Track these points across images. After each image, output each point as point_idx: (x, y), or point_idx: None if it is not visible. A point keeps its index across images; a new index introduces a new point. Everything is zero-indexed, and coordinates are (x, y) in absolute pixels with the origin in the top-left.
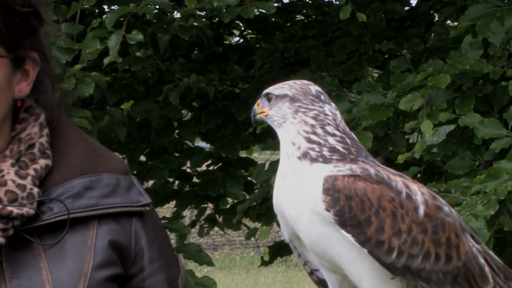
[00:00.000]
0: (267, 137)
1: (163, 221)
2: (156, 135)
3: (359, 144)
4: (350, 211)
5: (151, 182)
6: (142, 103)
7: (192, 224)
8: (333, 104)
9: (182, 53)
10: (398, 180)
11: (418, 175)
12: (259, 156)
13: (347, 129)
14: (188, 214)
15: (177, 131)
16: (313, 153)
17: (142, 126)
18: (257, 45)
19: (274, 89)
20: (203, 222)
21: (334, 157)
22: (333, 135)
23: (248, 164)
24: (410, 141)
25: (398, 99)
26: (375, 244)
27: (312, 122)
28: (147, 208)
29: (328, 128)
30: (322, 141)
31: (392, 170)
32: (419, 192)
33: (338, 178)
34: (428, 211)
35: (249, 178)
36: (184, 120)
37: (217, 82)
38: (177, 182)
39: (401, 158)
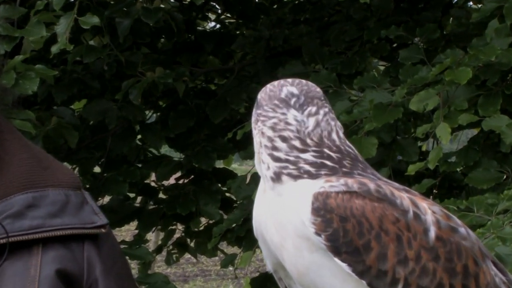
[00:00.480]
0: (249, 144)
1: (122, 246)
2: (113, 141)
3: (354, 153)
4: (345, 235)
5: (107, 199)
6: (97, 102)
7: (158, 249)
8: (310, 109)
9: (146, 42)
10: (404, 197)
11: (433, 190)
12: (240, 167)
13: (341, 135)
14: (153, 238)
15: (139, 136)
16: (289, 171)
17: (96, 130)
18: (237, 32)
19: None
20: (171, 247)
21: (323, 172)
22: (302, 150)
23: (226, 176)
24: (423, 148)
25: (409, 98)
26: (376, 275)
27: (270, 133)
28: (103, 230)
29: (295, 143)
30: (291, 158)
31: (396, 184)
32: (429, 211)
33: (331, 195)
34: (441, 234)
35: (227, 194)
36: (148, 123)
37: (188, 77)
38: (139, 198)
39: (412, 169)
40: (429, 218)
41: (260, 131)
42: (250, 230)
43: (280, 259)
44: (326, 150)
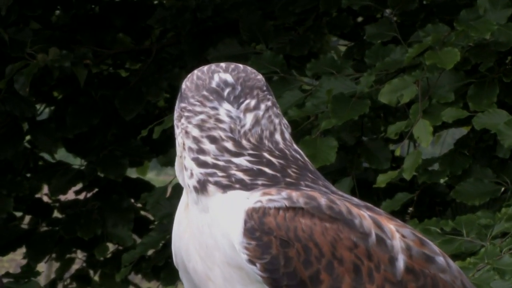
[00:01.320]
0: (170, 147)
1: (5, 280)
2: None
3: (303, 160)
4: (287, 263)
5: None
6: None
7: (51, 284)
8: (249, 102)
9: (36, 15)
10: (365, 216)
11: (410, 208)
12: (157, 177)
13: (287, 136)
14: (45, 269)
15: (28, 137)
16: (218, 179)
17: None
18: (155, 2)
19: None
20: (68, 281)
21: (260, 182)
22: (236, 154)
23: (141, 189)
24: (397, 153)
25: (378, 87)
26: None
27: (196, 133)
28: None
29: (226, 144)
30: (221, 163)
31: (356, 199)
32: (397, 235)
33: (269, 212)
34: (412, 264)
35: (141, 212)
36: (39, 120)
37: (91, 61)
38: (27, 218)
39: (382, 180)
40: (397, 243)
41: (184, 129)
42: (170, 258)
43: None
44: (266, 155)
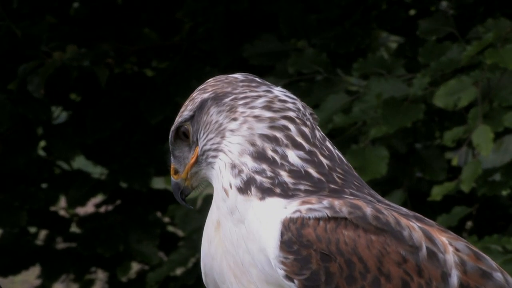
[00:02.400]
0: None
1: None
2: (5, 150)
3: (348, 164)
4: (328, 280)
5: None
6: None
7: None
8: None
9: (53, 7)
10: (414, 227)
11: (468, 222)
12: None
13: (327, 140)
14: None
15: (42, 143)
16: (263, 180)
17: None
18: None
19: (183, 111)
20: None
21: (302, 187)
22: (297, 145)
23: (168, 201)
24: (454, 162)
25: (433, 89)
26: None
27: (268, 114)
28: None
29: (294, 129)
30: (277, 158)
31: (404, 209)
32: (450, 248)
33: (308, 223)
34: (467, 280)
35: (168, 227)
36: (55, 124)
37: (112, 60)
38: (43, 232)
39: (438, 193)
40: (450, 258)
41: (251, 115)
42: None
43: None
44: (318, 154)
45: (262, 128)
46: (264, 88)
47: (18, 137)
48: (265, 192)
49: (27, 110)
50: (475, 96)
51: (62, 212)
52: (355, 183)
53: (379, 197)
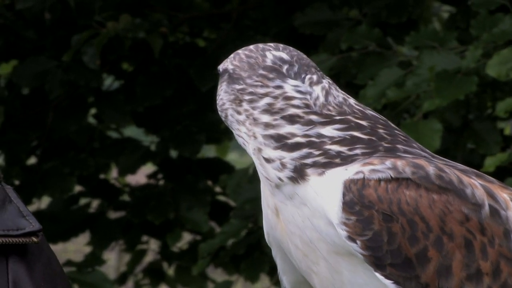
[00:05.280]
0: None
1: (67, 270)
2: (56, 117)
3: (384, 120)
4: (391, 240)
5: (46, 200)
6: (33, 62)
7: (121, 278)
8: (311, 77)
9: None
10: (476, 185)
11: None
12: (240, 159)
13: (360, 107)
14: (114, 260)
15: (93, 110)
16: (315, 159)
17: (32, 102)
18: None
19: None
20: (140, 276)
21: (359, 151)
22: (325, 123)
23: (220, 170)
24: (506, 131)
25: (485, 61)
26: None
27: (266, 118)
28: (34, 239)
29: (311, 117)
30: (314, 139)
31: (461, 165)
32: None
33: (369, 184)
34: None
35: (219, 197)
36: (106, 92)
37: (166, 29)
38: (93, 200)
39: (490, 164)
40: None
41: (251, 116)
42: (252, 247)
43: (308, 278)
44: (352, 118)
45: (263, 130)
46: (277, 83)
47: (68, 104)
48: (325, 165)
49: (78, 77)
50: None
51: (113, 181)
52: (401, 136)
53: (430, 152)
